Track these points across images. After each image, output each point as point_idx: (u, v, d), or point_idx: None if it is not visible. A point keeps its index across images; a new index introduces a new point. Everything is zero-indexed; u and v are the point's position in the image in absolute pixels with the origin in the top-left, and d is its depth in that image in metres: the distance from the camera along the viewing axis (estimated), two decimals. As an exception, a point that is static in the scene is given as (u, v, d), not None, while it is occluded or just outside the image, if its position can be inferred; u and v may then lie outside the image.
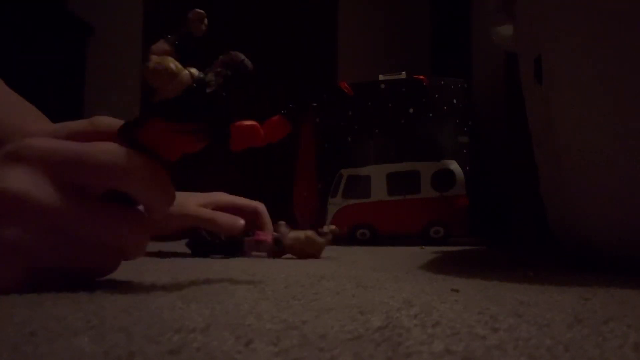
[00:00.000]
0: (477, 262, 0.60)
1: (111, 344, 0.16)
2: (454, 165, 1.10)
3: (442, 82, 1.15)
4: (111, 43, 2.32)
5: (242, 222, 0.57)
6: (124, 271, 0.39)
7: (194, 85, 0.29)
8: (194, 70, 0.29)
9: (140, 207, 0.31)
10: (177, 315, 0.21)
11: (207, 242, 0.60)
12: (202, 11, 0.31)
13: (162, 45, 0.30)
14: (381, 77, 1.16)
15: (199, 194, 0.63)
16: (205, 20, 0.31)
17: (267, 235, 0.62)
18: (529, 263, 0.57)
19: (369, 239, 1.10)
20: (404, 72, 1.16)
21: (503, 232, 1.27)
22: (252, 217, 0.65)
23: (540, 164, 0.58)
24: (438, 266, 0.51)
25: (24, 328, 0.18)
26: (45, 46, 1.86)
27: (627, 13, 0.41)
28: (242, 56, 0.30)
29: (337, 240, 1.09)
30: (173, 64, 0.29)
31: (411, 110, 1.12)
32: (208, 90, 0.29)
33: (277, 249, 0.60)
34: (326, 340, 0.17)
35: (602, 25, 0.43)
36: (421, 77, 1.14)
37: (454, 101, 1.14)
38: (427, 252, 0.76)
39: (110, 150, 0.29)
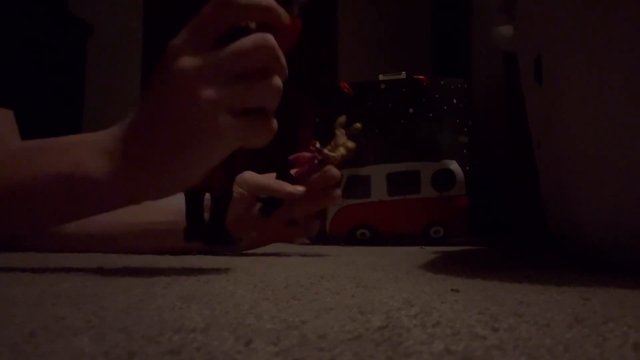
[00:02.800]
0: (477, 262, 0.60)
1: (111, 344, 0.16)
2: (454, 165, 1.10)
3: (442, 82, 1.15)
4: (111, 43, 2.32)
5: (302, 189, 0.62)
6: (124, 271, 0.39)
7: None
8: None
9: None
10: (177, 315, 0.22)
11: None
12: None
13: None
14: (381, 77, 1.16)
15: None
16: None
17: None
18: (529, 263, 0.57)
19: (369, 239, 1.10)
20: (404, 72, 1.16)
21: (503, 232, 1.27)
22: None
23: (540, 164, 0.58)
24: (438, 266, 0.51)
25: (24, 328, 0.18)
26: (45, 46, 1.86)
27: (627, 12, 0.41)
28: None
29: (337, 240, 1.09)
30: None
31: (411, 110, 1.12)
32: None
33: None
34: (326, 340, 0.17)
35: (602, 24, 0.43)
36: (421, 77, 1.14)
37: (454, 101, 1.14)
38: (427, 252, 0.76)
39: None
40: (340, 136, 0.64)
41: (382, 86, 1.14)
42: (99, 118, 2.25)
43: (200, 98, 0.34)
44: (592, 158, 0.45)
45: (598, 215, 0.45)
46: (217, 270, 0.41)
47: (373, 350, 0.16)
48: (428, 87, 1.13)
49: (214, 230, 0.40)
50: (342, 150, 0.63)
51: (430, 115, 1.12)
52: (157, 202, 0.41)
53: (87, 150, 0.38)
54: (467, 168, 1.12)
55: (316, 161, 0.62)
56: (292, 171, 0.63)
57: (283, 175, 0.61)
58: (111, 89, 2.29)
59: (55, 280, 0.32)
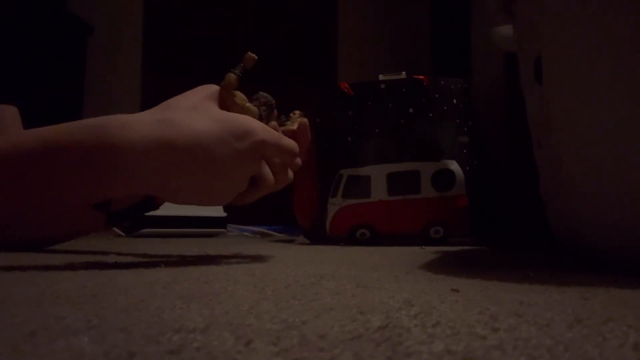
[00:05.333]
0: (477, 262, 0.60)
1: (111, 344, 0.16)
2: (454, 165, 1.10)
3: (442, 82, 1.15)
4: (111, 43, 2.32)
5: None
6: (124, 271, 0.39)
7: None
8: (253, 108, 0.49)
9: None
10: (177, 315, 0.22)
11: None
12: (255, 56, 0.49)
13: (231, 77, 0.47)
14: (381, 77, 1.16)
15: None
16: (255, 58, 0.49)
17: None
18: (529, 263, 0.57)
19: (369, 239, 1.10)
20: (404, 72, 1.16)
21: (503, 232, 1.27)
22: None
23: (539, 164, 0.58)
24: (438, 266, 0.51)
25: (24, 328, 0.18)
26: (45, 46, 1.86)
27: (628, 12, 0.41)
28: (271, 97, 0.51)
29: (337, 240, 1.09)
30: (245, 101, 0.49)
31: (411, 110, 1.12)
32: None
33: None
34: (326, 340, 0.17)
35: (603, 25, 0.43)
36: (421, 77, 1.14)
37: (454, 101, 1.14)
38: (427, 252, 0.76)
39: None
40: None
41: (382, 86, 1.14)
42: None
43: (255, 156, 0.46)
44: (591, 158, 0.45)
45: (598, 215, 0.45)
46: (217, 270, 0.41)
47: (373, 350, 0.16)
48: (428, 87, 1.13)
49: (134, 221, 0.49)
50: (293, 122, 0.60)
51: (430, 115, 1.12)
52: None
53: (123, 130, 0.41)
54: (467, 168, 1.12)
55: None
56: None
57: None
58: (111, 89, 2.29)
59: (55, 280, 0.32)
